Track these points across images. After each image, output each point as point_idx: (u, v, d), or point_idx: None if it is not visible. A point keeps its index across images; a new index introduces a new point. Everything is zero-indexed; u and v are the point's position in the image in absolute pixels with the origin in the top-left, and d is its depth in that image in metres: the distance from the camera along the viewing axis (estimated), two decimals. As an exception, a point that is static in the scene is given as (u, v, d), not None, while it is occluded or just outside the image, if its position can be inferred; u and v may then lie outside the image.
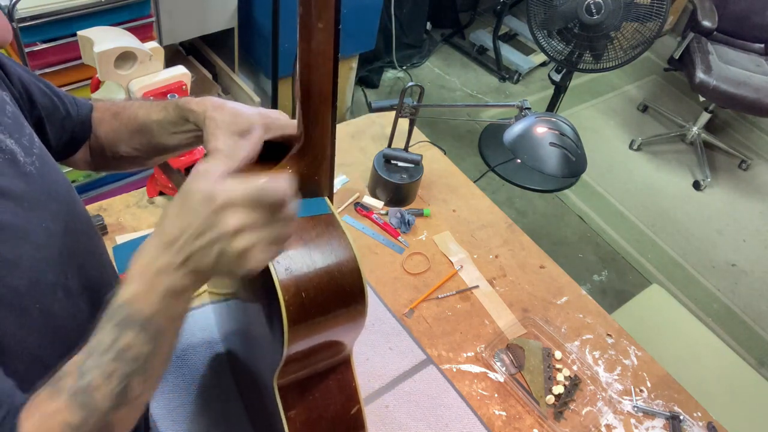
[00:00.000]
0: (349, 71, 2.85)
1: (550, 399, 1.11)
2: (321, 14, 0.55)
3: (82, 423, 0.51)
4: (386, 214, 1.38)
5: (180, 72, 1.22)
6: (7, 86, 0.67)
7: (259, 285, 0.68)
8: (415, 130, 1.42)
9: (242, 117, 0.70)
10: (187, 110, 0.73)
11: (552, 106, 2.80)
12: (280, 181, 0.51)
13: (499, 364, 1.16)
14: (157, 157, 0.83)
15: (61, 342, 0.61)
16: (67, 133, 0.79)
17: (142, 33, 1.88)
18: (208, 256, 0.53)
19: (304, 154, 0.66)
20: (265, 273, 0.63)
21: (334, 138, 0.66)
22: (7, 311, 0.56)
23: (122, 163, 0.85)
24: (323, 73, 0.59)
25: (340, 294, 0.65)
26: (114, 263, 0.68)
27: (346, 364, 0.78)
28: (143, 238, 0.64)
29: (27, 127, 0.64)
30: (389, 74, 3.35)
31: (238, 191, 0.51)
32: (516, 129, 1.26)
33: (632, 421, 1.13)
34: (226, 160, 0.59)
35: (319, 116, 0.63)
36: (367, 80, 3.22)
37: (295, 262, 0.63)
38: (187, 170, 1.25)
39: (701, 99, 3.06)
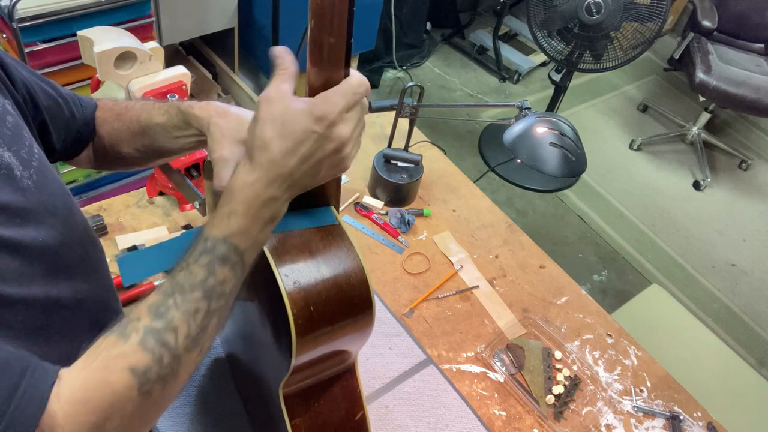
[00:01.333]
0: (349, 71, 2.85)
1: (550, 399, 1.11)
2: (333, 28, 0.54)
3: (149, 367, 0.49)
4: (386, 214, 1.38)
5: (180, 72, 1.22)
6: (9, 92, 0.66)
7: (264, 296, 0.67)
8: (415, 130, 1.42)
9: (247, 124, 0.70)
10: (190, 115, 0.72)
11: (552, 106, 2.80)
12: (358, 76, 0.57)
13: (499, 364, 1.16)
14: (159, 159, 0.82)
15: (51, 359, 0.60)
16: (71, 135, 0.79)
17: (142, 33, 1.88)
18: (316, 174, 0.56)
19: None
20: (272, 284, 0.62)
21: None
22: None
23: (124, 163, 0.84)
24: (333, 85, 0.58)
25: (348, 305, 0.65)
26: (120, 273, 0.67)
27: (350, 370, 0.78)
28: (148, 251, 0.63)
29: (27, 138, 0.63)
30: (389, 74, 3.35)
31: (340, 101, 0.55)
32: (516, 129, 1.26)
33: (632, 421, 1.13)
34: (286, 77, 0.58)
35: None
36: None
37: (303, 275, 0.62)
38: (187, 170, 1.24)
39: (701, 99, 3.06)
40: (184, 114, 0.73)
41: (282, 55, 0.58)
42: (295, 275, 0.62)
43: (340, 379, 0.77)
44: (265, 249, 0.63)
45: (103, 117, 0.82)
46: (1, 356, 0.48)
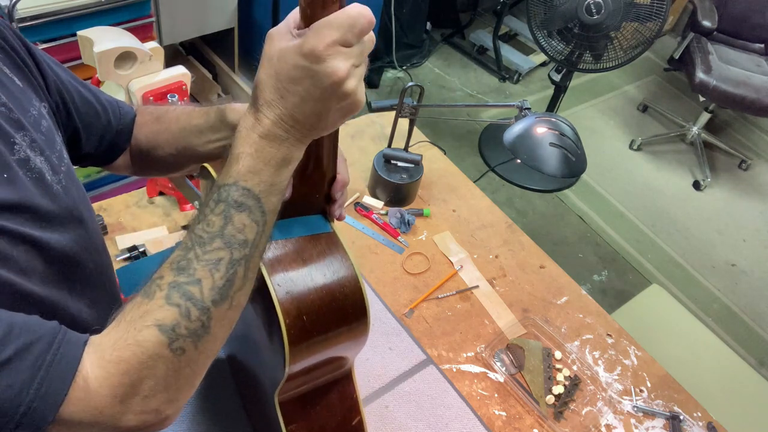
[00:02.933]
0: (349, 71, 2.85)
1: (550, 399, 1.11)
2: None
3: (176, 322, 0.48)
4: (386, 214, 1.38)
5: (180, 72, 1.22)
6: (45, 97, 0.67)
7: (259, 303, 0.67)
8: (415, 130, 1.42)
9: None
10: (227, 109, 0.71)
11: (552, 106, 2.80)
12: (357, 6, 0.50)
13: (499, 364, 1.16)
14: (192, 164, 0.81)
15: None
16: (106, 142, 0.78)
17: (142, 33, 1.88)
18: (324, 114, 0.53)
19: (305, 173, 0.64)
20: (266, 293, 0.62)
21: (336, 157, 0.65)
22: None
23: (159, 168, 0.83)
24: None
25: (341, 314, 0.64)
26: (119, 284, 0.66)
27: (347, 376, 0.78)
28: (148, 260, 0.62)
29: (58, 143, 0.64)
30: (389, 74, 3.35)
31: (332, 33, 0.49)
32: (516, 129, 1.26)
33: (632, 421, 1.13)
34: (293, 15, 0.54)
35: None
36: (367, 80, 3.22)
37: (296, 285, 0.62)
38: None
39: (701, 99, 3.06)
40: (222, 111, 0.72)
41: None
42: (288, 285, 0.62)
43: (337, 385, 0.77)
44: None
45: (141, 121, 0.81)
46: (32, 318, 0.47)
